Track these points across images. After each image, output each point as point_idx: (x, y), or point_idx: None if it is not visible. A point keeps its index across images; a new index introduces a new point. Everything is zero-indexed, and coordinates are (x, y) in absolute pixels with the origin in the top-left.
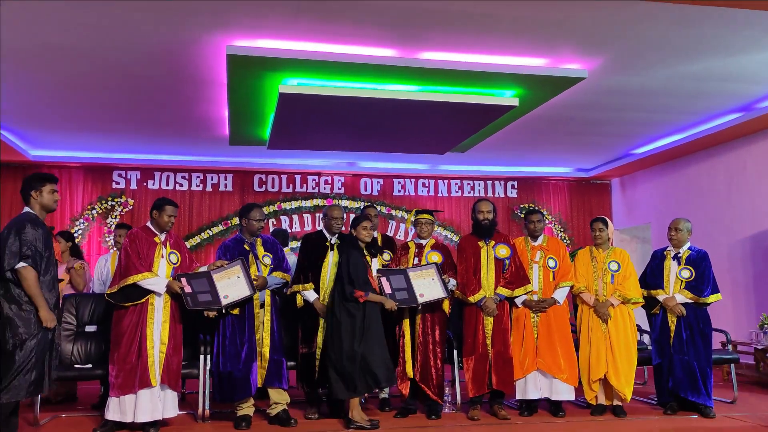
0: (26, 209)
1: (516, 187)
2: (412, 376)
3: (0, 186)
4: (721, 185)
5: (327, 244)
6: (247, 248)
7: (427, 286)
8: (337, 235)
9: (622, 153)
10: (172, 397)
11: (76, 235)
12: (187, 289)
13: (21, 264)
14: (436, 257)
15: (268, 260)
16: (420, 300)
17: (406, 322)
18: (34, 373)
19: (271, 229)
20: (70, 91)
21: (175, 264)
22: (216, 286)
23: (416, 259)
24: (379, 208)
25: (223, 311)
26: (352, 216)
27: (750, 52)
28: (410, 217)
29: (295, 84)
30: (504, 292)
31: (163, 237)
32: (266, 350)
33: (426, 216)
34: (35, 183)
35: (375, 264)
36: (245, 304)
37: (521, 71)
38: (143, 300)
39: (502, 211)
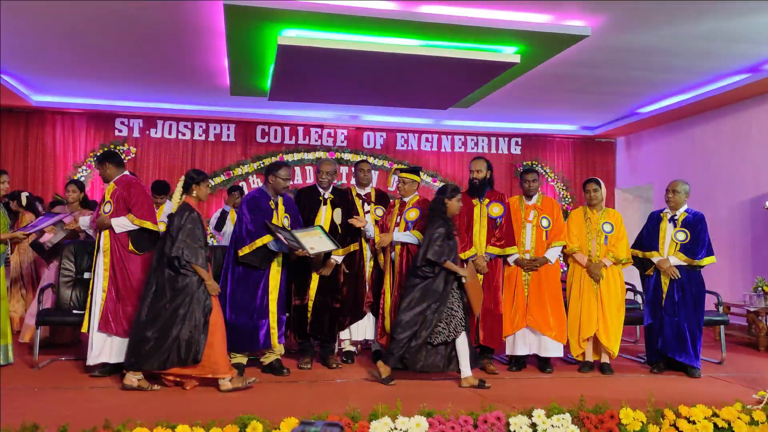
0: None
1: (520, 144)
2: (389, 332)
3: (1, 131)
4: (725, 147)
5: (320, 198)
6: (272, 206)
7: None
8: (330, 189)
9: (627, 112)
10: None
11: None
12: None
13: None
14: (414, 213)
15: (287, 222)
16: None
17: (387, 281)
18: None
19: None
20: (72, 36)
21: None
22: (300, 241)
23: (399, 216)
24: (381, 162)
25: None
26: (353, 170)
27: (758, 13)
28: (390, 175)
29: (293, 35)
30: (494, 250)
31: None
32: (274, 307)
33: (405, 175)
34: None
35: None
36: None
37: (523, 27)
38: None
39: (505, 168)
